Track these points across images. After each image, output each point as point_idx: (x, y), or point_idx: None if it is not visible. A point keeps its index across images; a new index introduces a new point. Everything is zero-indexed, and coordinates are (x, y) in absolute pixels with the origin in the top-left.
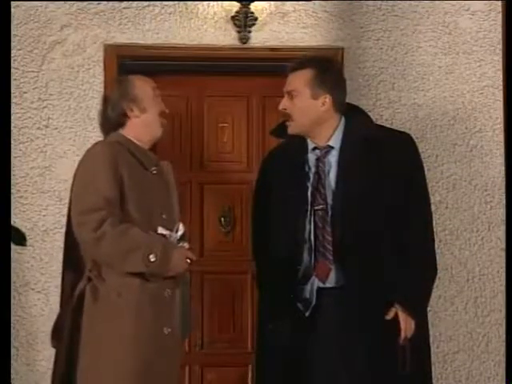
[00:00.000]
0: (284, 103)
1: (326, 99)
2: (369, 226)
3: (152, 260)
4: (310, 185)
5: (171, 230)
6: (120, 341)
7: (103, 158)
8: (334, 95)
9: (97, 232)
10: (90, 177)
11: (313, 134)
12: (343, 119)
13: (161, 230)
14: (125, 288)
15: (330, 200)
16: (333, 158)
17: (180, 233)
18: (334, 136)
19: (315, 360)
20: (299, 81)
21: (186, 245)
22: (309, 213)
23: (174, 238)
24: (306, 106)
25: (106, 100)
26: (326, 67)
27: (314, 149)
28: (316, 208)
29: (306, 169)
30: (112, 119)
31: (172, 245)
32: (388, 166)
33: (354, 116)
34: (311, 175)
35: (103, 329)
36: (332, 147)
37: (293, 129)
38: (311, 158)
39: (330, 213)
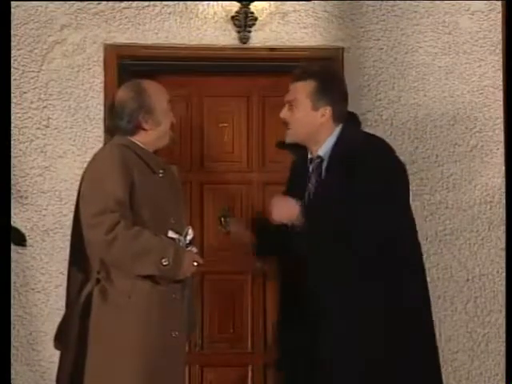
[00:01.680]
0: (284, 113)
1: (327, 111)
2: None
3: (164, 264)
4: (306, 197)
5: (180, 234)
6: (128, 343)
7: (114, 160)
8: (335, 107)
9: (109, 234)
10: (100, 179)
11: (308, 143)
12: (339, 128)
13: (171, 234)
14: (135, 290)
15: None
16: (323, 169)
17: (189, 237)
18: (324, 146)
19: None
20: (301, 92)
21: (194, 249)
22: None
23: (183, 242)
24: (305, 117)
25: (120, 107)
26: (329, 79)
27: (311, 160)
28: None
29: (306, 179)
30: (126, 130)
31: (183, 249)
32: (357, 182)
33: (346, 125)
34: (307, 188)
35: (112, 330)
36: (322, 158)
37: (289, 137)
38: (310, 169)
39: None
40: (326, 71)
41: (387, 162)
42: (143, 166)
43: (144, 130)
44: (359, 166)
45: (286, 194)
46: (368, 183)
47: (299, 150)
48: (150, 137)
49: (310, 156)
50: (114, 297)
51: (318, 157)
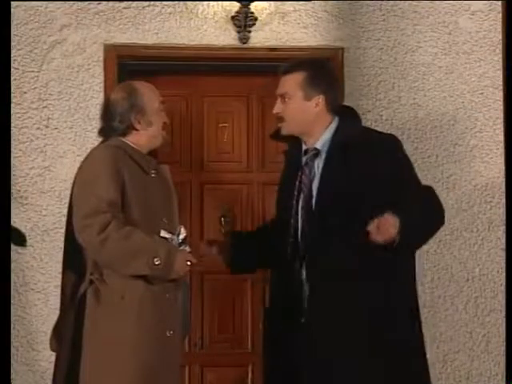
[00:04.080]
0: (278, 107)
1: (320, 100)
2: (342, 231)
3: (157, 263)
4: (297, 188)
5: (173, 234)
6: (123, 343)
7: (105, 161)
8: (328, 96)
9: (101, 235)
10: (92, 180)
11: (304, 135)
12: (335, 121)
13: (163, 234)
14: (128, 291)
15: (311, 204)
16: (320, 161)
17: (182, 236)
18: (321, 138)
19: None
20: (291, 83)
21: (188, 248)
22: (296, 216)
23: (175, 242)
24: (299, 108)
25: (113, 108)
26: (319, 68)
27: (306, 152)
28: (301, 212)
29: (299, 171)
30: (117, 129)
31: (175, 248)
32: (366, 171)
33: (344, 118)
34: (299, 178)
35: (106, 331)
36: (319, 150)
37: (284, 129)
38: (303, 160)
39: (308, 217)
40: (314, 62)
41: (390, 153)
42: (135, 166)
43: (136, 130)
44: (361, 159)
45: (280, 185)
46: (371, 177)
47: (293, 141)
48: (143, 137)
49: (304, 147)
50: (107, 297)
51: (315, 149)
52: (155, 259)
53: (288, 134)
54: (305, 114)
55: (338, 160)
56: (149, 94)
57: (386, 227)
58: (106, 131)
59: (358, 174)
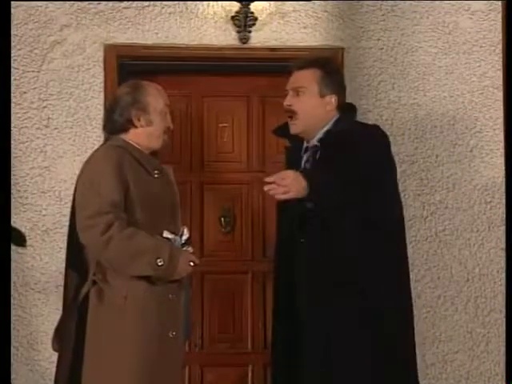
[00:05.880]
0: (290, 99)
1: (332, 99)
2: (333, 225)
3: (160, 264)
4: None
5: (176, 234)
6: (125, 344)
7: (108, 162)
8: (340, 96)
9: (104, 236)
10: (95, 181)
11: (309, 133)
12: (335, 117)
13: (166, 234)
14: (131, 291)
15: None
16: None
17: (185, 237)
18: (318, 134)
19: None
20: (308, 78)
21: (190, 249)
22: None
23: (178, 243)
24: (312, 104)
25: (115, 102)
26: (332, 68)
27: (306, 149)
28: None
29: (300, 168)
30: (117, 123)
31: (178, 249)
32: (351, 165)
33: (342, 114)
34: None
35: (108, 332)
36: (319, 147)
37: (296, 128)
38: (305, 157)
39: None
40: (327, 61)
41: (374, 148)
42: (138, 166)
43: (135, 126)
44: (348, 153)
45: None
46: (356, 170)
47: (294, 138)
48: (142, 136)
49: (305, 145)
50: (110, 298)
51: (315, 146)
52: (158, 260)
53: (297, 132)
54: (317, 110)
55: (329, 152)
56: (154, 94)
57: (285, 182)
58: (107, 126)
59: (345, 166)
